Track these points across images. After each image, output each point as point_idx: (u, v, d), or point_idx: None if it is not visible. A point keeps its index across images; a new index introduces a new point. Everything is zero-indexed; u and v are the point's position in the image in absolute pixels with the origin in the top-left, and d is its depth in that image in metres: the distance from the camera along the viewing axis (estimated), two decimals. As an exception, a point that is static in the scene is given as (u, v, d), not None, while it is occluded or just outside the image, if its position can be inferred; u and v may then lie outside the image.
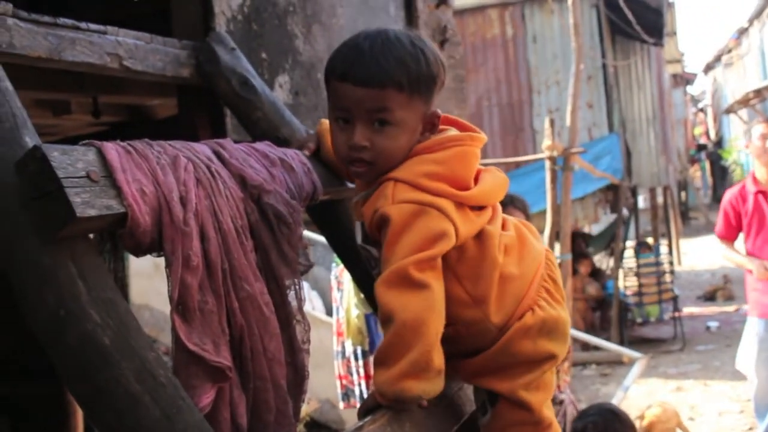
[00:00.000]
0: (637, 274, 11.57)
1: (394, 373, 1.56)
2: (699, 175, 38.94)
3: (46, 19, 1.77)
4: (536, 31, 12.46)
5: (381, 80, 1.62)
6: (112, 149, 1.33)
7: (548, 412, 1.77)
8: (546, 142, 7.14)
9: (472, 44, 12.65)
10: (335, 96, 1.68)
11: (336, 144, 1.72)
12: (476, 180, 1.72)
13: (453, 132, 1.73)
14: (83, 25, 1.87)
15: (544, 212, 8.11)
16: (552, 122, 7.12)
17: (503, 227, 1.76)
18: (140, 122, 3.32)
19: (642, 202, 20.46)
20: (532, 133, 12.47)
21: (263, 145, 1.76)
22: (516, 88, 12.65)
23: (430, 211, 1.58)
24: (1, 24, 1.63)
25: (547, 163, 7.20)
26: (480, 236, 1.68)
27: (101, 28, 1.93)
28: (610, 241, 12.64)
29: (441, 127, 1.75)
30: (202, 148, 1.56)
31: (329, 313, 7.38)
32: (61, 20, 1.81)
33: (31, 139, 1.33)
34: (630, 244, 13.02)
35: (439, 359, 1.58)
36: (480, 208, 1.70)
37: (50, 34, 1.77)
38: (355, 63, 1.64)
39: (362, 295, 2.22)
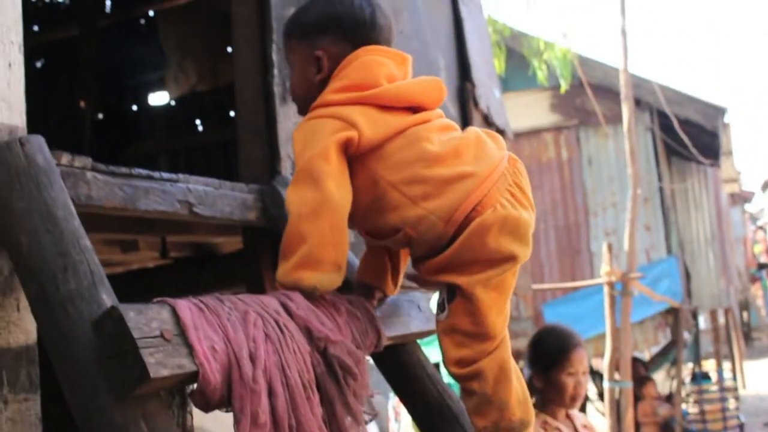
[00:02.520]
0: (699, 401, 11.21)
1: (290, 264, 1.70)
2: (761, 294, 38.05)
3: (123, 170, 1.83)
4: (591, 153, 12.51)
5: (284, 32, 2.00)
6: (186, 308, 1.37)
7: (500, 325, 1.83)
8: (604, 267, 7.10)
9: (528, 167, 12.61)
10: None
11: None
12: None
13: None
14: (156, 174, 1.94)
15: (602, 336, 7.97)
16: (610, 247, 7.10)
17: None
18: (204, 258, 3.37)
19: (703, 323, 20.02)
20: (589, 255, 12.36)
21: (329, 294, 1.79)
22: (572, 211, 12.62)
23: (325, 121, 1.76)
24: (81, 178, 1.69)
25: (606, 289, 7.14)
26: (406, 136, 1.79)
27: (173, 176, 2.00)
28: (671, 364, 12.31)
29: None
30: (271, 302, 1.59)
31: (385, 440, 7.25)
32: (136, 171, 1.88)
33: (108, 297, 1.37)
34: (690, 367, 12.67)
35: (334, 254, 1.72)
36: (402, 109, 1.83)
37: (126, 184, 1.83)
38: None
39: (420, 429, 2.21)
